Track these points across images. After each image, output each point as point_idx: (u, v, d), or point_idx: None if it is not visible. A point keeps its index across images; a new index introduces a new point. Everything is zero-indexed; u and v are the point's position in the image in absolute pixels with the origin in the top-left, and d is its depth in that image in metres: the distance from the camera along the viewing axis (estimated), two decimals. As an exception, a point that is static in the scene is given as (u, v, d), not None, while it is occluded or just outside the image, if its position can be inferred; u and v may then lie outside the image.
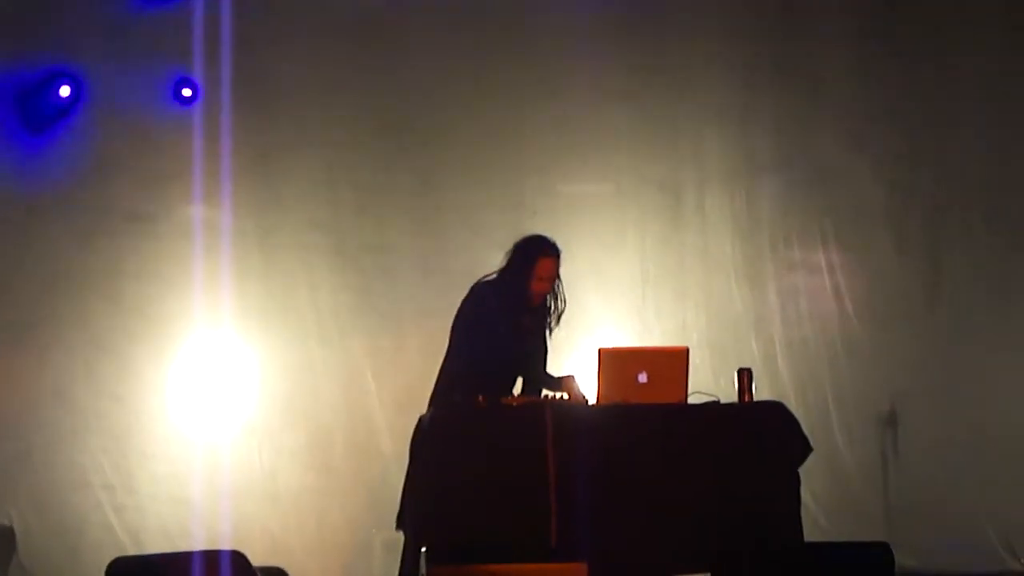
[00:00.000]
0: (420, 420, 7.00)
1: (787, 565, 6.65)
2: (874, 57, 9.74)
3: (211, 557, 6.45)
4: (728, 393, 7.23)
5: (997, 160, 9.74)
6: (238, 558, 6.50)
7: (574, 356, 8.31)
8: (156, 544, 8.69)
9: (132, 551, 8.59)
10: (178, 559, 6.54)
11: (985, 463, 9.36)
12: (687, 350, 7.11)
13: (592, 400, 6.96)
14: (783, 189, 9.74)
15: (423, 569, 6.54)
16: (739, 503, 6.86)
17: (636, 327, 9.44)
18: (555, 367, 7.41)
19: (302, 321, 9.27)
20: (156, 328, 9.14)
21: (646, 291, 9.51)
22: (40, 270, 9.10)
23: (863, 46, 9.74)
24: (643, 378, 6.92)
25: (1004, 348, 9.56)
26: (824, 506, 9.13)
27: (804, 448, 7.12)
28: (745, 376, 7.15)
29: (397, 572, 7.00)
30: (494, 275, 7.22)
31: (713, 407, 7.12)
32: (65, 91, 9.17)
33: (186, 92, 9.20)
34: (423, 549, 6.61)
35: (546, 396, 7.07)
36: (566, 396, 7.02)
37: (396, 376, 9.08)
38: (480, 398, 6.84)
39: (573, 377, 7.19)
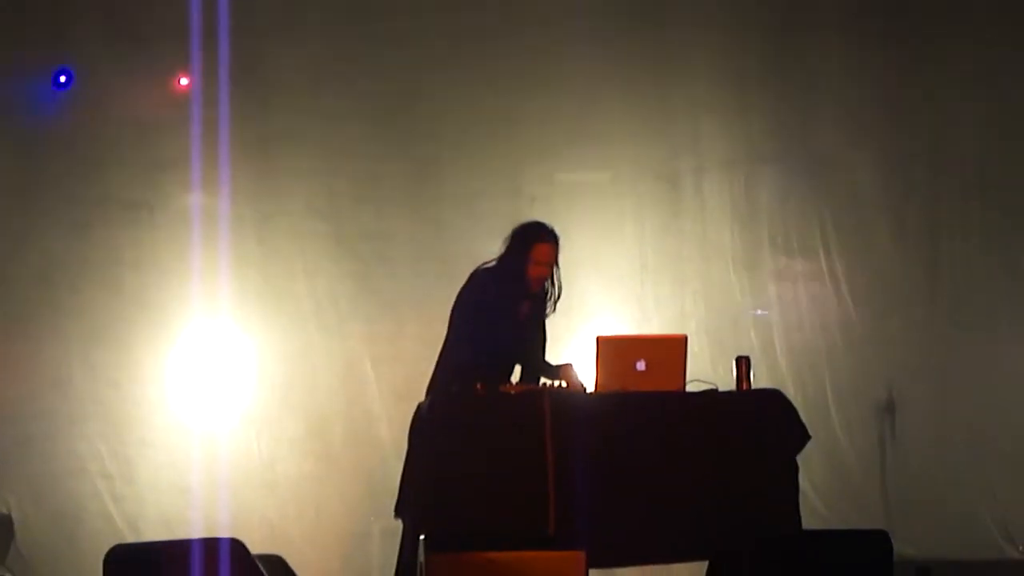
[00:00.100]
0: (418, 408, 7.00)
1: (785, 553, 6.65)
2: (872, 46, 9.73)
3: (210, 545, 6.45)
4: (726, 381, 7.23)
5: (995, 149, 9.74)
6: (236, 546, 6.50)
7: (572, 344, 8.32)
8: (154, 532, 8.70)
9: (130, 539, 8.59)
10: (176, 547, 6.54)
11: (983, 452, 9.38)
12: (685, 338, 7.11)
13: (590, 388, 6.96)
14: (781, 178, 9.74)
15: (421, 557, 6.54)
16: (737, 491, 6.86)
17: (634, 315, 9.44)
18: (554, 355, 7.41)
19: (300, 309, 9.27)
20: (154, 316, 9.14)
21: (644, 279, 9.51)
22: (38, 259, 9.10)
23: (861, 36, 9.73)
24: (641, 366, 6.92)
25: (1002, 336, 9.57)
26: (822, 494, 9.14)
27: (802, 436, 7.12)
28: (743, 364, 7.15)
29: (396, 560, 7.01)
30: (493, 262, 7.22)
31: (711, 395, 7.12)
32: (62, 80, 9.17)
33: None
34: (421, 537, 6.61)
35: (544, 384, 7.07)
36: (564, 384, 7.02)
37: (394, 364, 9.07)
38: (478, 386, 6.84)
39: (571, 365, 7.19)
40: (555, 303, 7.31)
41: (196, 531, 8.43)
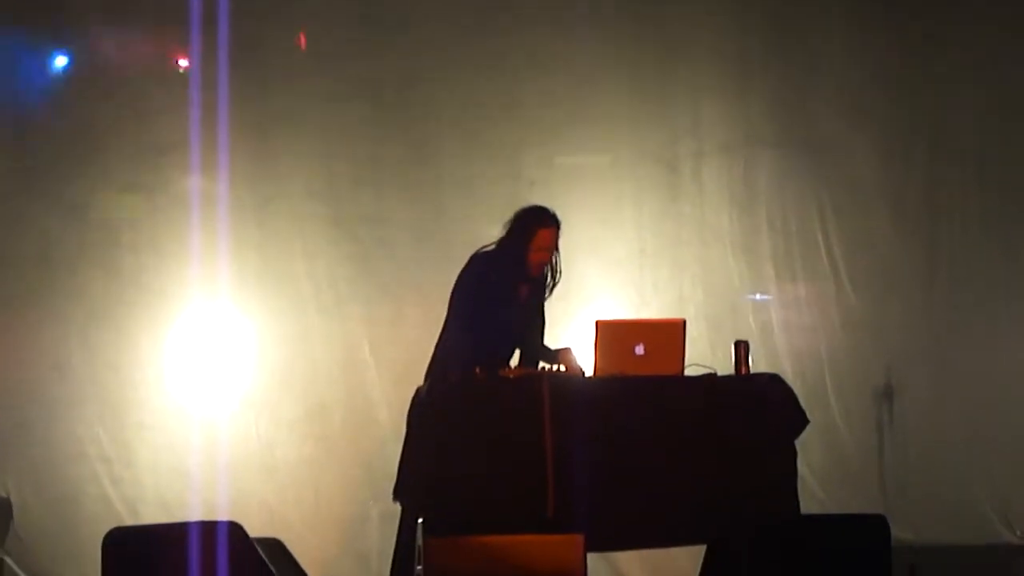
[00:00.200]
0: (417, 391, 7.00)
1: (783, 537, 6.66)
2: (872, 29, 9.70)
3: (208, 528, 6.46)
4: (725, 365, 7.23)
5: (995, 132, 9.72)
6: (235, 529, 6.51)
7: (571, 328, 8.32)
8: (153, 515, 8.69)
9: (129, 522, 8.59)
10: (175, 530, 6.55)
11: (982, 436, 9.38)
12: (684, 322, 7.11)
13: (589, 372, 6.97)
14: (781, 161, 9.72)
15: (420, 540, 6.55)
16: (735, 475, 6.87)
17: (633, 299, 9.43)
18: (552, 339, 7.41)
19: (299, 291, 9.25)
20: (153, 299, 9.12)
21: (643, 263, 9.49)
22: (36, 241, 9.07)
23: (861, 18, 9.71)
24: (640, 350, 6.92)
25: (1001, 321, 9.56)
26: (820, 479, 9.14)
27: (801, 420, 7.13)
28: (742, 348, 7.16)
29: (394, 543, 7.02)
30: (493, 245, 7.21)
31: (710, 379, 7.12)
32: (61, 61, 9.15)
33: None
34: (420, 520, 6.62)
35: (543, 368, 7.07)
36: (563, 368, 7.03)
37: (394, 347, 9.06)
38: (477, 370, 6.84)
39: (570, 349, 7.19)
40: (552, 289, 7.32)
41: (195, 514, 8.42)
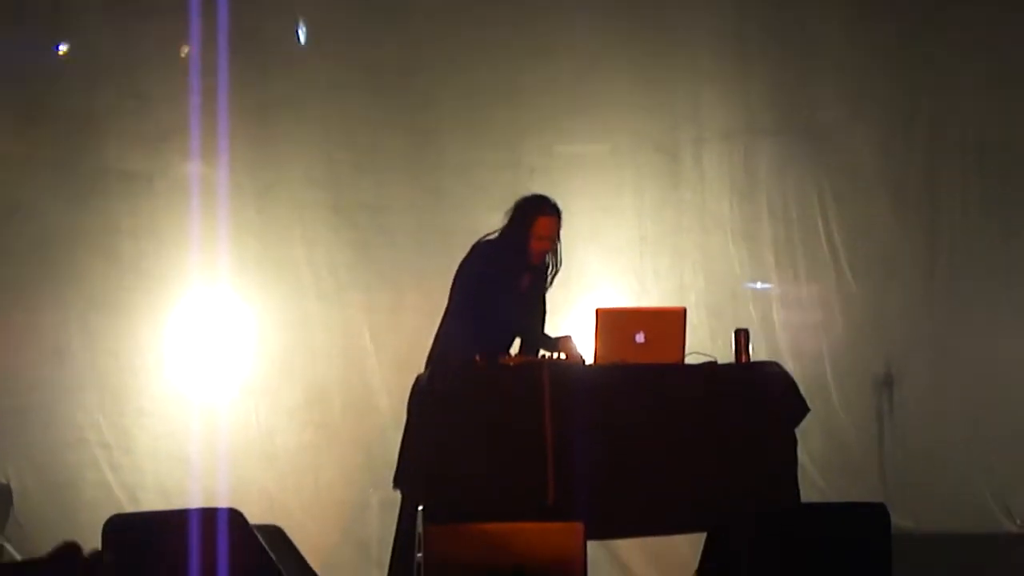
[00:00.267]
0: (418, 379, 7.00)
1: (784, 525, 6.66)
2: (871, 16, 9.69)
3: (208, 515, 6.46)
4: (725, 353, 7.23)
5: (995, 119, 9.71)
6: (235, 516, 6.51)
7: (572, 316, 8.31)
8: (153, 502, 8.70)
9: (129, 508, 8.59)
10: (175, 516, 6.55)
11: (981, 425, 9.37)
12: (684, 310, 7.11)
13: (589, 360, 6.96)
14: (781, 149, 9.70)
15: (420, 528, 6.55)
16: (736, 463, 6.88)
17: (633, 287, 9.42)
18: (553, 327, 7.41)
19: (299, 278, 9.24)
20: (153, 285, 9.12)
21: (644, 251, 9.48)
22: (35, 228, 9.06)
23: (861, 3, 9.70)
24: (640, 338, 6.92)
25: (1002, 308, 9.56)
26: (820, 467, 9.14)
27: (801, 408, 7.13)
28: (742, 336, 7.16)
29: (394, 530, 7.02)
30: (495, 234, 7.21)
31: (710, 367, 7.12)
32: (62, 48, 9.14)
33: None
34: (420, 508, 6.62)
35: (544, 356, 7.07)
36: (563, 356, 7.02)
37: (394, 334, 9.06)
38: (478, 357, 6.84)
39: (570, 337, 7.19)
40: (552, 278, 7.32)
41: (195, 501, 8.42)
